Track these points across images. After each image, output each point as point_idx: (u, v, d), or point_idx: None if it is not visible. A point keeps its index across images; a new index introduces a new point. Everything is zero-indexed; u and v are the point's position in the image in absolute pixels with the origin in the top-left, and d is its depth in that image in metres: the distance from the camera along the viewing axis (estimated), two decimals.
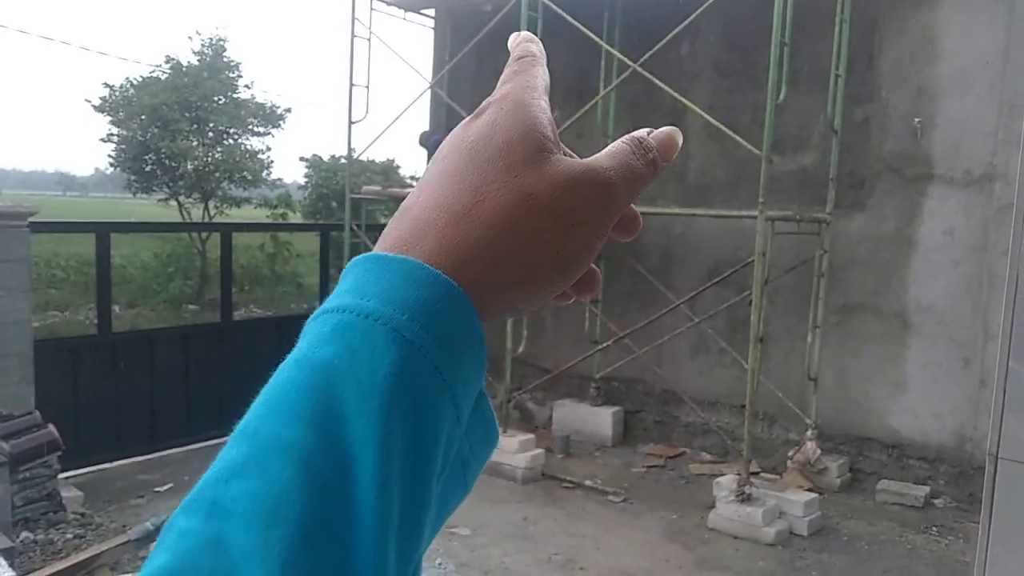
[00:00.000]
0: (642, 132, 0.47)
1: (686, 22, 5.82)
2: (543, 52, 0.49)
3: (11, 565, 3.52)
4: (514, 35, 0.51)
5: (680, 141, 0.48)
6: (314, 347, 0.36)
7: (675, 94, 6.08)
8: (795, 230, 6.22)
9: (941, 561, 5.22)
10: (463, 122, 0.45)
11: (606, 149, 0.46)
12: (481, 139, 0.42)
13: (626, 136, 0.46)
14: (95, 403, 6.57)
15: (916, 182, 6.39)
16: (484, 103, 0.45)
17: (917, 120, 6.32)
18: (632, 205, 0.47)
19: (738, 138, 5.60)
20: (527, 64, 0.47)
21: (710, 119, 5.89)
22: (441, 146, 0.45)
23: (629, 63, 6.08)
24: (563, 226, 0.41)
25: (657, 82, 6.05)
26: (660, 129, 0.48)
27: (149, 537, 3.38)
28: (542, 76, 0.47)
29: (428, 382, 0.35)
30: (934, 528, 5.73)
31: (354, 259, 0.40)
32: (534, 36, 0.50)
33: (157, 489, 6.19)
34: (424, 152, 8.49)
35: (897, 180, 6.48)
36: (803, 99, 6.52)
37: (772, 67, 5.34)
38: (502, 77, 0.47)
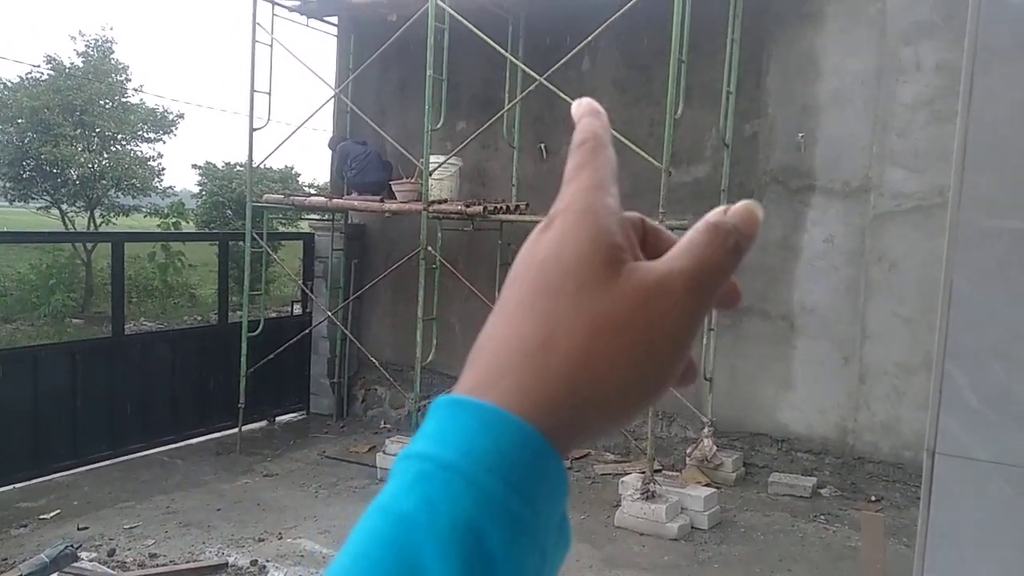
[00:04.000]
0: (718, 212, 0.41)
1: (587, 40, 6.02)
2: (607, 127, 0.46)
3: None
4: (576, 104, 0.47)
5: (761, 215, 0.42)
6: (397, 497, 0.36)
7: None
8: None
9: (830, 547, 5.58)
10: (535, 232, 0.42)
11: (681, 241, 0.41)
12: (550, 257, 0.40)
13: (701, 223, 0.41)
14: None
15: (800, 193, 6.83)
16: (552, 211, 0.43)
17: (800, 135, 6.76)
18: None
19: (639, 151, 5.83)
20: (590, 154, 0.44)
21: (612, 133, 6.08)
22: (514, 265, 0.42)
23: (534, 75, 6.23)
24: (643, 345, 0.38)
25: (561, 94, 6.22)
26: (737, 204, 0.42)
27: (46, 570, 3.18)
28: (608, 165, 0.44)
29: (509, 534, 0.35)
30: (822, 516, 6.12)
31: (437, 400, 0.39)
32: (598, 107, 0.47)
33: (42, 516, 5.80)
34: (331, 155, 8.39)
35: (783, 191, 6.91)
36: (697, 114, 6.85)
37: (670, 84, 5.60)
38: (567, 170, 0.44)
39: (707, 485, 6.31)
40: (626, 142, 5.93)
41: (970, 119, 1.37)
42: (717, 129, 6.79)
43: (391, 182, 7.58)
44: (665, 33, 5.69)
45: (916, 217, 6.31)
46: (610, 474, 7.01)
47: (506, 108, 7.25)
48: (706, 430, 6.76)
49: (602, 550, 5.43)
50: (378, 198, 7.60)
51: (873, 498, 6.39)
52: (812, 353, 6.78)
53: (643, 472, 5.94)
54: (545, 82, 6.17)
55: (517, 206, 7.25)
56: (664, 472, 6.70)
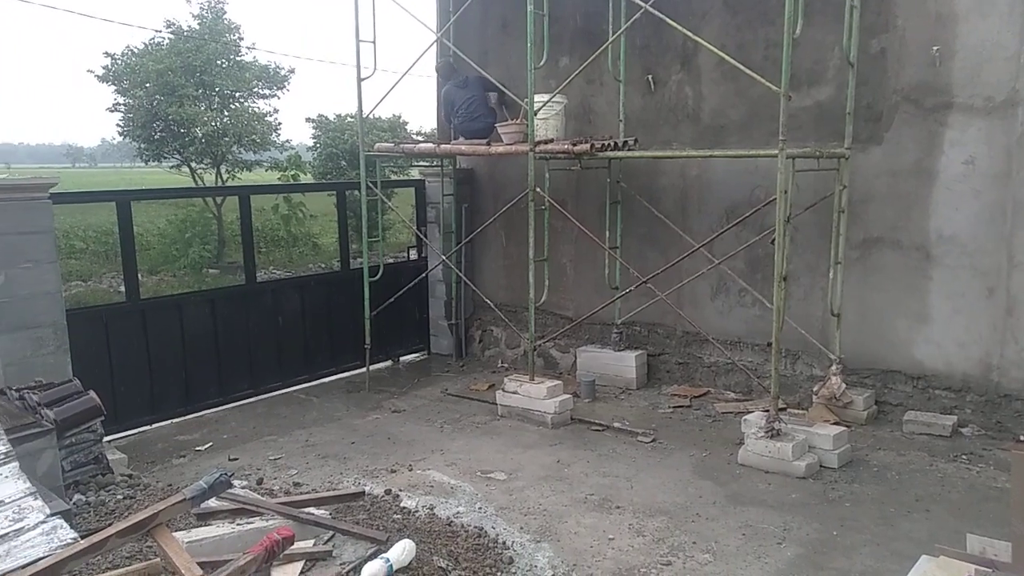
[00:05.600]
0: None
1: None
2: None
3: (72, 526, 3.67)
4: None
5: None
6: None
7: (688, 33, 5.99)
8: (814, 167, 6.18)
9: (974, 487, 5.31)
10: None
11: None
12: None
13: None
14: (129, 369, 6.72)
15: (935, 112, 6.31)
16: None
17: (935, 48, 6.20)
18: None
19: (755, 75, 5.53)
20: None
21: (726, 57, 5.80)
22: None
23: (639, 3, 5.98)
24: None
25: (669, 21, 5.95)
26: None
27: (204, 495, 3.49)
28: None
29: None
30: (964, 456, 5.81)
31: None
32: None
33: (198, 448, 6.36)
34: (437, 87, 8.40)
35: (915, 111, 6.40)
36: (816, 32, 6.41)
37: (788, 0, 5.24)
38: None
39: (835, 424, 6.11)
40: (740, 66, 5.64)
41: None
42: (840, 47, 6.33)
43: (497, 125, 7.56)
44: None
45: None
46: (731, 412, 6.91)
47: (610, 40, 7.02)
48: (834, 367, 6.51)
49: (726, 487, 5.40)
50: (485, 141, 7.61)
51: (1022, 438, 5.98)
52: (951, 284, 6.35)
53: (767, 410, 5.81)
54: (651, 9, 5.91)
55: (625, 142, 7.08)
56: (789, 410, 6.53)
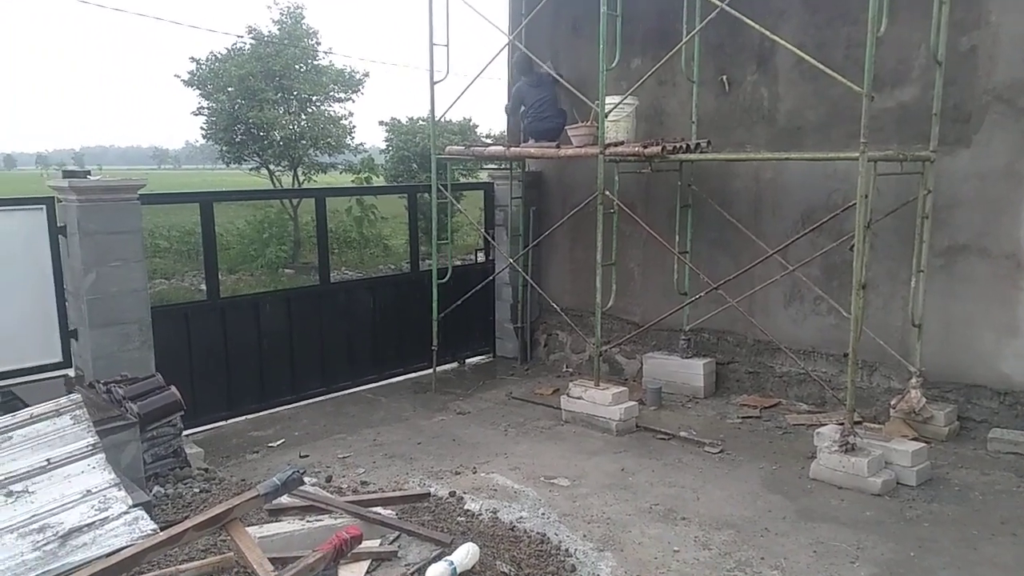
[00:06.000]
0: None
1: None
2: None
3: (151, 518, 3.84)
4: None
5: None
6: None
7: (765, 31, 5.84)
8: (896, 170, 5.94)
9: None
10: None
11: None
12: None
13: None
14: (208, 365, 6.98)
15: None
16: None
17: None
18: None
19: (836, 75, 5.34)
20: None
21: (805, 56, 5.63)
22: None
23: (716, 2, 5.85)
24: None
25: (746, 20, 5.81)
26: None
27: (277, 491, 3.60)
28: None
29: None
30: None
31: None
32: None
33: (271, 444, 6.56)
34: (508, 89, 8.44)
35: (1008, 111, 6.08)
36: (901, 30, 6.14)
37: None
38: None
39: (914, 439, 5.85)
40: (821, 66, 5.46)
41: None
42: (927, 45, 6.06)
43: (566, 127, 7.54)
44: None
45: None
46: (803, 424, 6.70)
47: (684, 40, 6.89)
48: (914, 380, 6.23)
49: (796, 501, 5.24)
50: (554, 144, 7.60)
51: None
52: None
53: (841, 423, 5.61)
54: (728, 8, 5.79)
55: (698, 144, 6.95)
56: (865, 424, 6.29)
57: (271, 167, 18.98)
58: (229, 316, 7.16)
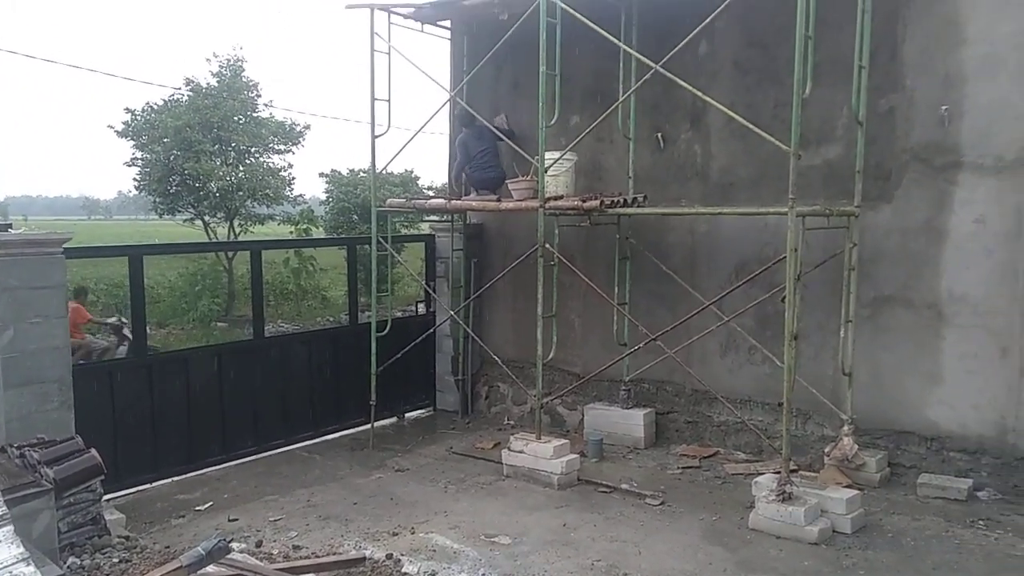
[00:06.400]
0: None
1: (705, 21, 5.80)
2: None
3: None
4: None
5: None
6: None
7: (697, 92, 6.06)
8: (823, 225, 6.17)
9: (992, 556, 5.13)
10: None
11: None
12: None
13: None
14: (133, 425, 6.66)
15: (945, 171, 6.31)
16: None
17: (944, 108, 6.25)
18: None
19: (764, 134, 5.56)
20: None
21: (735, 116, 5.85)
22: None
23: (650, 64, 6.06)
24: None
25: (679, 81, 6.03)
26: None
27: (202, 561, 3.41)
28: None
29: None
30: (981, 522, 5.63)
31: None
32: None
33: (198, 508, 6.25)
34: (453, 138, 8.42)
35: (925, 170, 6.41)
36: (825, 92, 6.46)
37: (797, 62, 5.30)
38: None
39: (848, 486, 5.95)
40: (750, 126, 5.68)
41: None
42: (849, 107, 6.38)
43: (507, 180, 7.63)
44: (789, 8, 5.38)
45: None
46: (742, 474, 6.75)
47: (621, 99, 7.11)
48: (846, 428, 6.38)
49: (736, 553, 5.23)
50: (495, 197, 7.66)
51: None
52: (964, 345, 6.25)
53: (778, 472, 5.67)
54: (661, 69, 6.00)
55: (635, 198, 7.10)
56: (801, 472, 6.38)
57: (206, 218, 18.59)
58: (157, 373, 6.87)
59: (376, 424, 8.08)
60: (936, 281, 6.36)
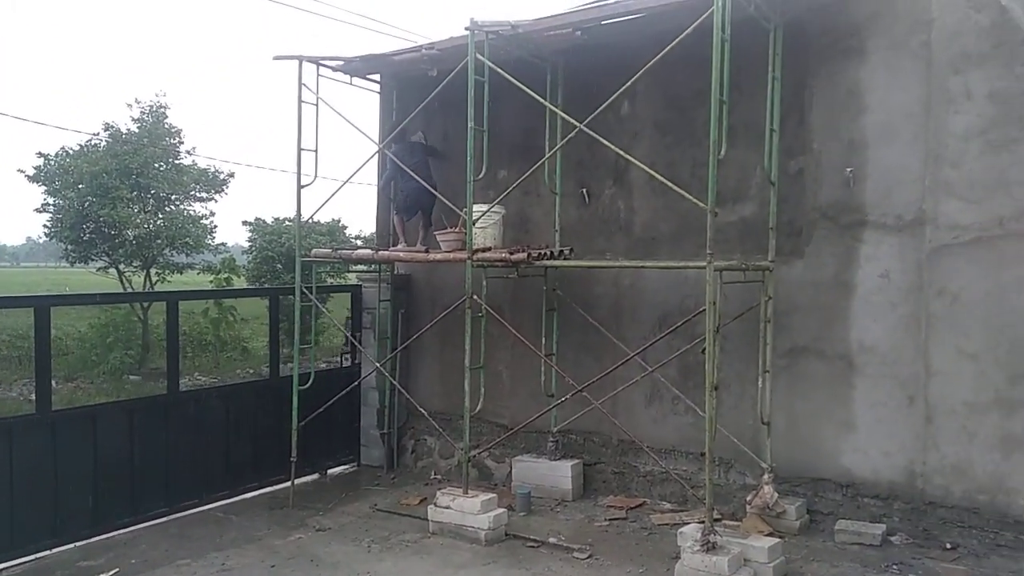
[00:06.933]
0: None
1: (627, 84, 6.04)
2: None
3: None
4: None
5: None
6: None
7: (620, 151, 6.27)
8: (740, 278, 6.41)
9: None
10: None
11: None
12: None
13: None
14: (32, 487, 6.23)
15: (851, 228, 6.67)
16: None
17: (848, 170, 6.63)
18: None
19: (683, 192, 5.78)
20: None
21: (654, 174, 6.07)
22: None
23: (574, 123, 6.26)
24: None
25: (602, 140, 6.23)
26: None
27: None
28: None
29: None
30: (895, 566, 5.81)
31: None
32: None
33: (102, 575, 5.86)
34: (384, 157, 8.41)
35: (833, 227, 6.76)
36: (740, 153, 6.78)
37: (713, 124, 5.56)
38: None
39: (770, 534, 6.07)
40: (669, 184, 5.90)
41: None
42: (762, 167, 6.71)
43: (436, 233, 7.65)
44: (705, 74, 5.67)
45: (977, 249, 6.09)
46: (667, 524, 6.80)
47: (547, 156, 7.29)
48: (766, 476, 6.53)
49: None
50: (423, 249, 7.67)
51: (948, 546, 6.06)
52: (873, 393, 6.53)
53: (702, 522, 5.74)
54: (585, 128, 6.19)
55: (561, 251, 7.23)
56: (724, 521, 6.48)
57: (121, 267, 17.89)
58: (61, 430, 6.48)
59: (297, 481, 7.81)
60: (846, 332, 6.66)
